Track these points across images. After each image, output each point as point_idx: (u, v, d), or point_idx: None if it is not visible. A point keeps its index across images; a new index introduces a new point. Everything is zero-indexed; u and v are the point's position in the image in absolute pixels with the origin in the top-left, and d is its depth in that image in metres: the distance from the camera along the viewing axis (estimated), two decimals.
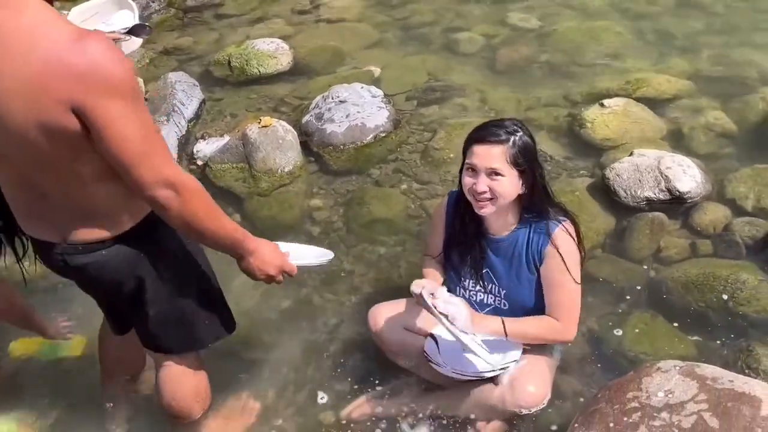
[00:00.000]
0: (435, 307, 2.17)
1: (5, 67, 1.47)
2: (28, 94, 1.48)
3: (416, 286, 2.24)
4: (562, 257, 2.24)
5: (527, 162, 2.20)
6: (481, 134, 2.22)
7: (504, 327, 2.26)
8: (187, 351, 2.17)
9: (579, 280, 2.29)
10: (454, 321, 2.16)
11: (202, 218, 1.71)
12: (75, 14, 2.19)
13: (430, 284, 2.26)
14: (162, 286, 1.95)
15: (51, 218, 1.79)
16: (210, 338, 2.18)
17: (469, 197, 2.25)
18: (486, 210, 2.24)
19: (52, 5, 1.58)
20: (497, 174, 2.18)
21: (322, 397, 2.59)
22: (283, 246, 2.04)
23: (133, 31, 2.02)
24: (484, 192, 2.20)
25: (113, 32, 2.03)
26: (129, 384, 2.58)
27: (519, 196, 2.24)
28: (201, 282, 2.06)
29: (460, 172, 2.28)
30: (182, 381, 2.21)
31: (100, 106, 1.49)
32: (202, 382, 2.28)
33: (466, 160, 2.24)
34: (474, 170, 2.21)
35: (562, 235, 2.26)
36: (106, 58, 1.48)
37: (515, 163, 2.18)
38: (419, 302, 2.24)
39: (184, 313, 2.05)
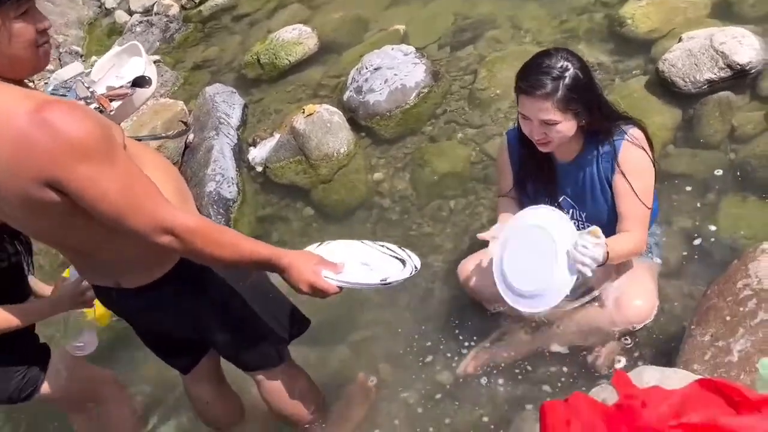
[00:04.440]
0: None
1: None
2: (7, 180, 1.50)
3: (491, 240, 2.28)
4: (625, 176, 2.18)
5: (581, 100, 2.10)
6: (527, 85, 2.10)
7: (607, 252, 2.13)
8: (269, 367, 2.18)
9: (650, 193, 2.22)
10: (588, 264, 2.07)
11: (213, 252, 1.66)
12: (96, 70, 2.26)
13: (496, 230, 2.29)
14: (220, 314, 1.98)
15: (100, 269, 1.86)
16: (284, 350, 2.20)
17: (528, 136, 2.22)
18: (548, 148, 2.20)
19: (22, 83, 1.59)
20: (550, 124, 2.11)
21: (435, 360, 2.63)
22: (356, 249, 1.89)
23: (136, 83, 2.07)
24: (540, 138, 2.16)
25: (121, 87, 2.08)
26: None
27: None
28: (257, 298, 2.06)
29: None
30: (282, 393, 2.23)
31: (71, 175, 1.48)
32: (302, 384, 2.29)
33: (519, 108, 2.18)
34: (527, 118, 2.16)
35: (628, 149, 2.18)
36: (66, 124, 1.46)
37: (567, 108, 2.08)
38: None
39: (249, 334, 2.07)
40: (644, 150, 2.21)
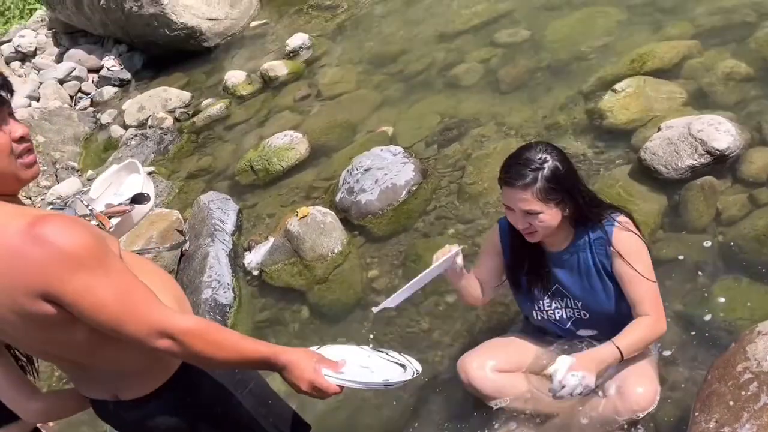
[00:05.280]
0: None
1: None
2: (1, 298, 1.51)
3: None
4: (624, 258, 2.22)
5: (561, 190, 2.17)
6: (508, 176, 2.19)
7: (619, 350, 2.20)
8: None
9: (651, 270, 2.26)
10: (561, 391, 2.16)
11: (214, 353, 1.64)
12: (94, 188, 2.33)
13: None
14: (219, 422, 1.94)
15: (98, 381, 1.84)
16: None
17: (515, 226, 2.27)
18: (534, 238, 2.26)
19: (15, 199, 1.61)
20: (532, 214, 2.18)
21: None
22: (356, 354, 1.88)
23: (135, 200, 2.14)
24: (525, 228, 2.22)
25: (120, 204, 2.14)
26: None
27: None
28: (256, 405, 2.02)
29: None
30: None
31: (66, 286, 1.49)
32: None
33: (502, 199, 2.26)
34: (510, 208, 2.23)
35: (620, 233, 2.24)
36: (58, 237, 1.47)
37: (547, 198, 2.16)
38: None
39: None
40: (636, 234, 2.26)
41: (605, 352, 2.22)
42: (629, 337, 2.23)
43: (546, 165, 2.16)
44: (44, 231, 1.47)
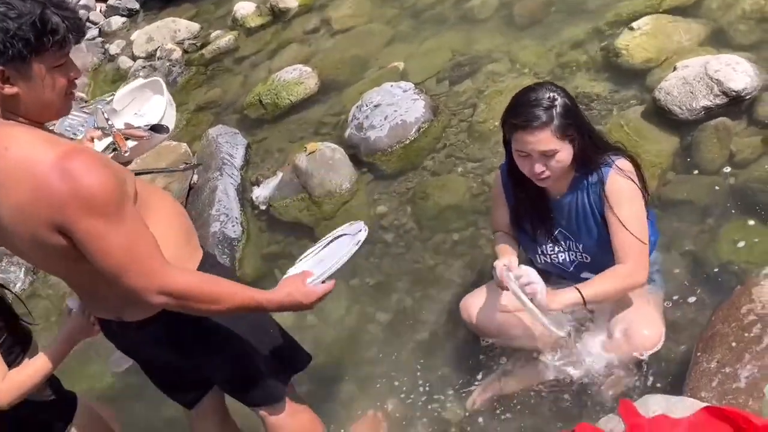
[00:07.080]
0: (514, 285, 2.16)
1: (2, 200, 1.58)
2: (23, 221, 1.58)
3: (499, 270, 2.24)
4: (610, 203, 2.18)
5: (575, 125, 2.13)
6: (522, 120, 2.11)
7: (582, 295, 2.16)
8: (271, 403, 2.17)
9: (639, 219, 2.20)
10: (533, 297, 2.13)
11: (209, 306, 1.73)
12: (118, 99, 2.34)
13: (507, 260, 2.26)
14: (219, 349, 2.00)
15: (102, 303, 1.90)
16: (285, 386, 2.19)
17: (527, 175, 2.22)
18: (547, 183, 2.22)
19: (42, 126, 1.66)
20: (549, 155, 2.12)
21: (442, 396, 2.62)
22: (309, 261, 2.00)
23: (154, 129, 2.14)
24: (540, 172, 2.16)
25: (139, 128, 2.14)
26: None
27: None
28: (257, 334, 2.07)
29: (504, 144, 2.27)
30: (285, 428, 2.22)
31: (80, 227, 1.55)
32: (305, 420, 2.27)
33: (515, 147, 2.18)
34: (526, 154, 2.17)
35: (614, 177, 2.19)
36: (83, 176, 1.52)
37: (564, 135, 2.10)
38: (501, 283, 2.23)
39: (249, 370, 2.07)
40: (631, 180, 2.20)
41: (566, 294, 2.19)
42: (595, 286, 2.20)
43: (557, 102, 2.10)
44: (71, 166, 1.52)
